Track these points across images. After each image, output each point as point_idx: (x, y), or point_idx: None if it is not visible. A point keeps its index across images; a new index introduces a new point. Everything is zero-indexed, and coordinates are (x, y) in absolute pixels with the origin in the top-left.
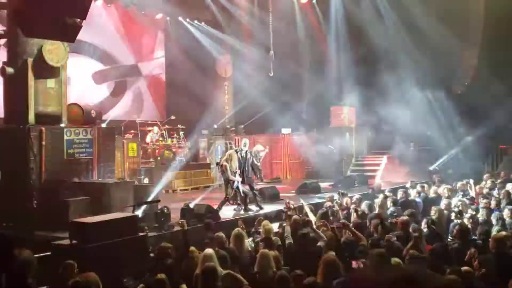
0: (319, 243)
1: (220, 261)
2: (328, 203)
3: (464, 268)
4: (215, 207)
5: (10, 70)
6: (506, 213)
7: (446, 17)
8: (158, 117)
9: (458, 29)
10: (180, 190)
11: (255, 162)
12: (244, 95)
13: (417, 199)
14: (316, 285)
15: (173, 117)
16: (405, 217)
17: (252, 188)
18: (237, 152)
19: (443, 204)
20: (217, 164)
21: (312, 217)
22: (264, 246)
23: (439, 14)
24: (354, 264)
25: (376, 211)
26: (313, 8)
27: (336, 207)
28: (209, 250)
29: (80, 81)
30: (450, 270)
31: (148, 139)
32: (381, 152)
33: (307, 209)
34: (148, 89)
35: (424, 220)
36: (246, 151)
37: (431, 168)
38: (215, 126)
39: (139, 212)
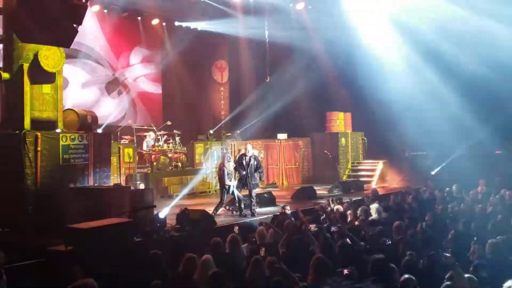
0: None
1: (218, 267)
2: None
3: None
4: (210, 212)
5: (5, 75)
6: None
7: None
8: (154, 123)
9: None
10: (176, 195)
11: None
12: (240, 101)
13: (412, 204)
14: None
15: (169, 123)
16: (399, 222)
17: (251, 195)
18: (240, 158)
19: (438, 209)
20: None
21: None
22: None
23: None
24: (345, 271)
25: (372, 217)
26: (308, 14)
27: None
28: (207, 256)
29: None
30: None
31: (144, 146)
32: (377, 158)
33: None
34: (144, 95)
35: (419, 225)
36: (250, 156)
37: (432, 172)
38: (211, 132)
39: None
